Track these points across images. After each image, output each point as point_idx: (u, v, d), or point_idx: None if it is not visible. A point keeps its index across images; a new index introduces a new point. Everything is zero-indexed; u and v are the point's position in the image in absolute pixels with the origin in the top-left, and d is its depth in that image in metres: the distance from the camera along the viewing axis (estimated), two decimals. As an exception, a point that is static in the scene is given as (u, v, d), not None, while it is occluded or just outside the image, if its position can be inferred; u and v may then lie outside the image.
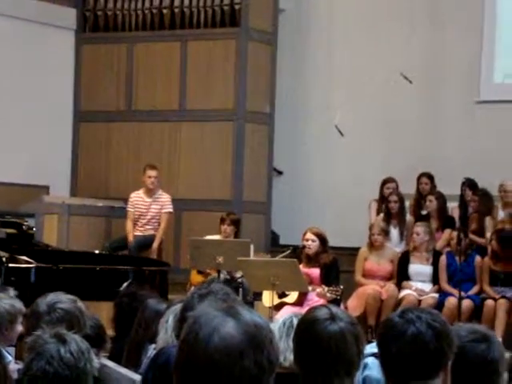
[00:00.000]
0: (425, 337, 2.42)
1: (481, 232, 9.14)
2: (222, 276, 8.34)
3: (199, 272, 9.07)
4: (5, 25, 10.89)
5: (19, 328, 4.33)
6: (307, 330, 2.69)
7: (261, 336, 1.81)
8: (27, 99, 11.11)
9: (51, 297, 3.58)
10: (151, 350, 4.34)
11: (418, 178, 9.88)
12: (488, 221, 9.13)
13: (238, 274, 8.45)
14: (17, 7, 10.93)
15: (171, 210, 10.12)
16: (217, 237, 9.15)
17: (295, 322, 3.46)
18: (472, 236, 8.87)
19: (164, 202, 10.09)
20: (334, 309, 2.74)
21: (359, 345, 2.68)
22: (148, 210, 10.08)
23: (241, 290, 8.22)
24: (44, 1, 11.26)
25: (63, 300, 3.56)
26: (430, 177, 9.86)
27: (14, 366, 3.79)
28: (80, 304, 3.59)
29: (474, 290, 8.73)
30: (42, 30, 11.23)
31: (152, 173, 10.03)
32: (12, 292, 4.74)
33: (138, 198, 10.13)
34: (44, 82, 11.27)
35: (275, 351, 1.83)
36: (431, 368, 2.43)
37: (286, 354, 3.36)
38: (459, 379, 2.56)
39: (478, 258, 8.82)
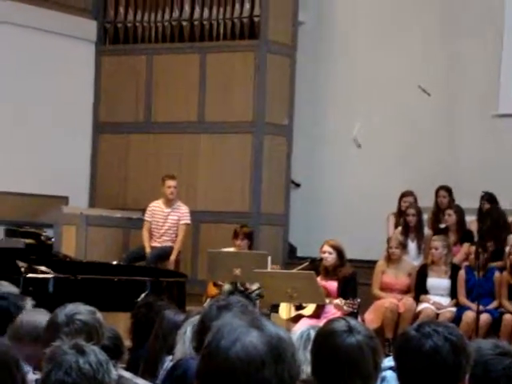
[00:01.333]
0: (442, 351, 2.41)
1: (500, 249, 9.08)
2: (229, 287, 8.36)
3: (215, 285, 9.08)
4: (26, 36, 10.97)
5: (41, 353, 4.32)
6: (324, 341, 2.69)
7: (283, 349, 1.81)
8: (47, 110, 11.18)
9: (70, 308, 3.58)
10: (168, 362, 4.35)
11: (437, 192, 9.85)
12: (510, 239, 9.07)
13: (254, 286, 8.45)
14: (38, 19, 11.01)
15: (189, 222, 10.15)
16: (231, 250, 9.16)
17: (312, 334, 3.45)
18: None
19: (182, 213, 10.11)
20: (352, 321, 2.74)
21: (376, 358, 2.68)
22: (166, 220, 10.10)
23: (258, 302, 8.21)
24: (65, 13, 11.34)
25: (82, 311, 3.57)
26: (449, 190, 9.83)
27: (31, 377, 3.81)
28: (99, 315, 3.60)
29: (493, 304, 8.68)
30: (62, 42, 11.31)
31: (171, 183, 10.06)
32: (30, 302, 4.75)
33: (156, 207, 10.17)
34: (64, 94, 11.34)
35: (296, 365, 1.83)
36: (449, 382, 2.42)
37: (303, 366, 3.36)
38: None
39: (496, 273, 8.77)
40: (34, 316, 4.18)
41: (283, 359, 1.79)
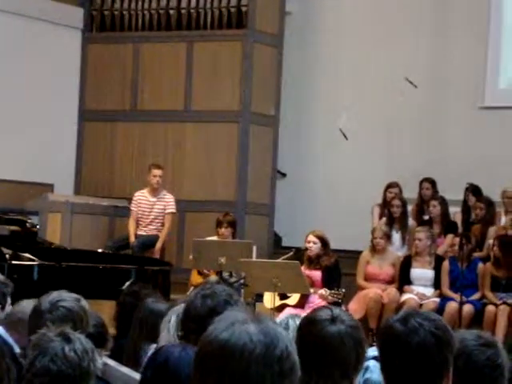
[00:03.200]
0: (429, 347, 2.43)
1: (482, 242, 9.14)
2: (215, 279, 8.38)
3: (199, 273, 9.10)
4: (11, 22, 10.92)
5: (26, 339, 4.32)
6: (307, 329, 2.71)
7: (277, 340, 1.81)
8: (33, 97, 11.14)
9: (54, 295, 3.59)
10: (153, 350, 4.36)
11: (420, 184, 9.90)
12: (491, 231, 9.13)
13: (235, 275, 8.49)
14: (24, 5, 10.96)
15: (174, 211, 10.15)
16: (214, 238, 9.18)
17: (291, 323, 3.49)
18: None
19: (168, 202, 10.12)
20: (337, 311, 2.75)
21: (359, 348, 2.69)
22: (151, 209, 10.10)
23: (242, 291, 8.23)
24: (52, 0, 11.29)
25: (66, 298, 3.57)
26: (432, 182, 9.88)
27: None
28: (84, 303, 3.60)
29: (476, 295, 8.74)
30: (48, 29, 11.26)
31: (157, 172, 10.06)
32: (10, 287, 4.74)
33: (142, 197, 10.17)
34: (50, 81, 11.30)
35: (291, 360, 1.82)
36: (435, 376, 2.44)
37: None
38: None
39: (480, 264, 8.83)
40: (27, 305, 4.19)
41: (275, 347, 1.80)
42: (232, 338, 1.79)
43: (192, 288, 8.61)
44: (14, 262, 7.43)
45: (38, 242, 8.81)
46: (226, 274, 8.64)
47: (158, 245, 9.97)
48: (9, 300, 4.73)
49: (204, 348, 1.82)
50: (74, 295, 3.62)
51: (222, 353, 1.79)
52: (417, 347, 2.42)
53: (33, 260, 7.55)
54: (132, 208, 10.19)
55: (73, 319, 3.48)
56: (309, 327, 2.70)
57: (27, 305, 4.17)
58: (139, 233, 10.11)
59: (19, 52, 11.03)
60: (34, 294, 3.84)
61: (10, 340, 4.28)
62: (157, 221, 10.11)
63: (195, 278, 9.11)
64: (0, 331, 4.38)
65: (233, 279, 8.57)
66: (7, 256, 7.46)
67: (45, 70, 11.24)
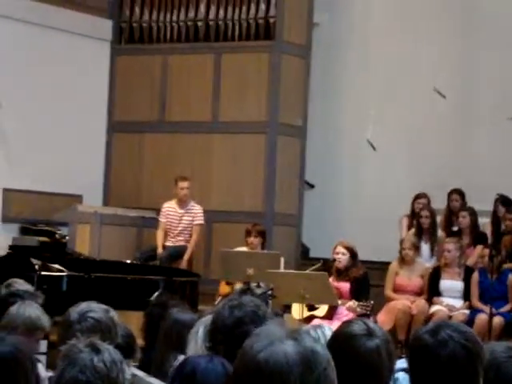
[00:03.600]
0: (459, 359, 2.40)
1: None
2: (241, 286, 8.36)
3: (228, 283, 9.10)
4: (40, 34, 11.01)
5: (35, 345, 4.33)
6: (343, 343, 2.68)
7: (315, 361, 1.79)
8: (62, 109, 11.22)
9: (83, 306, 3.60)
10: (180, 361, 4.36)
11: (449, 195, 9.84)
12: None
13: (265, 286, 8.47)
14: (54, 18, 11.05)
15: (202, 222, 10.17)
16: (243, 249, 9.17)
17: (312, 333, 3.47)
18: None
19: (196, 213, 10.14)
20: (371, 324, 2.73)
21: (391, 362, 2.68)
22: (180, 221, 10.13)
23: (270, 302, 8.22)
24: (81, 12, 11.38)
25: (95, 309, 3.58)
26: (461, 193, 9.82)
27: (45, 374, 3.83)
28: (112, 314, 3.61)
29: (506, 307, 8.66)
30: (78, 41, 11.34)
31: (184, 184, 10.09)
32: (40, 298, 4.77)
33: (170, 208, 10.19)
34: (79, 93, 11.38)
35: (329, 381, 1.80)
36: None
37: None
38: None
39: (510, 276, 8.75)
40: (25, 308, 4.21)
41: (313, 371, 1.77)
42: (270, 360, 1.77)
43: (220, 298, 8.61)
44: (43, 273, 7.47)
45: (67, 252, 8.86)
46: (253, 285, 8.63)
47: (186, 256, 9.99)
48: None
49: (241, 367, 1.81)
50: (103, 306, 3.63)
51: (259, 374, 1.77)
52: (447, 359, 2.40)
53: (62, 271, 7.59)
54: (160, 219, 10.22)
55: (101, 330, 3.49)
56: (345, 343, 2.67)
57: (24, 308, 4.21)
58: (167, 244, 10.14)
59: (48, 64, 11.12)
60: (63, 305, 3.86)
61: None
62: (185, 232, 10.14)
63: (223, 289, 9.11)
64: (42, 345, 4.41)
65: (260, 290, 8.55)
66: (37, 267, 7.50)
67: (74, 81, 11.32)
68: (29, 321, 4.14)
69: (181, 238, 10.15)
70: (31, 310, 4.23)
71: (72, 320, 3.52)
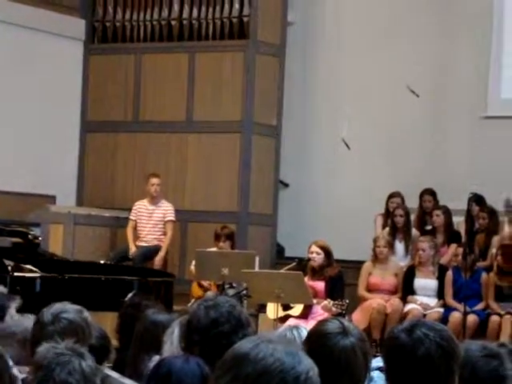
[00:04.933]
0: (434, 358, 2.41)
1: (486, 252, 9.12)
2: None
3: (200, 285, 9.09)
4: (13, 34, 10.93)
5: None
6: (318, 342, 2.68)
7: (300, 363, 1.76)
8: (35, 109, 11.14)
9: (56, 307, 3.58)
10: (155, 362, 4.34)
11: (421, 195, 9.88)
12: (495, 240, 9.11)
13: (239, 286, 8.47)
14: (26, 17, 10.97)
15: (173, 219, 10.16)
16: (213, 250, 9.17)
17: (288, 334, 3.47)
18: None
19: (166, 209, 10.13)
20: (346, 323, 2.73)
21: (367, 361, 2.68)
22: (150, 217, 10.11)
23: (245, 301, 8.21)
24: (53, 11, 11.30)
25: (68, 310, 3.56)
26: (433, 193, 9.86)
27: (19, 375, 3.79)
28: (86, 314, 3.58)
29: (480, 305, 8.71)
30: (51, 41, 11.27)
31: (155, 180, 10.11)
32: (17, 302, 4.74)
33: (141, 205, 10.22)
34: (52, 92, 11.31)
35: None
36: None
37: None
38: None
39: (484, 274, 8.80)
40: (21, 320, 4.17)
41: (293, 370, 1.74)
42: (252, 351, 1.76)
43: (193, 300, 8.59)
44: (16, 274, 7.41)
45: (40, 253, 8.80)
46: (226, 286, 8.61)
47: (161, 254, 9.97)
48: (12, 312, 4.71)
49: (224, 358, 1.79)
50: (77, 307, 3.61)
51: (239, 360, 1.76)
52: (422, 358, 2.41)
53: (35, 272, 7.54)
54: (130, 217, 10.21)
55: (75, 331, 3.47)
56: (320, 341, 2.67)
57: (21, 319, 4.16)
58: (139, 244, 10.10)
59: (21, 63, 11.04)
60: (36, 306, 3.83)
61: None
62: (156, 229, 10.11)
63: (196, 291, 9.10)
64: None
65: (232, 291, 8.53)
66: (9, 268, 7.44)
67: (47, 81, 11.25)
68: (26, 332, 4.09)
69: (152, 237, 10.12)
70: (27, 321, 4.17)
71: (45, 321, 3.50)
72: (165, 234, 10.11)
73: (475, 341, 2.85)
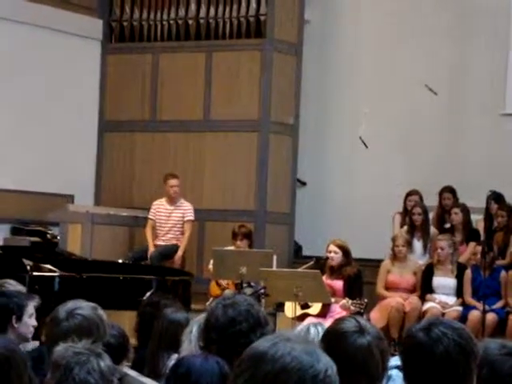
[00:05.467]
0: (453, 356, 2.39)
1: (505, 250, 9.07)
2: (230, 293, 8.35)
3: (218, 284, 9.10)
4: (31, 34, 10.98)
5: (31, 322, 4.35)
6: (335, 340, 2.68)
7: (318, 362, 1.75)
8: (53, 109, 11.18)
9: (71, 304, 3.62)
10: (174, 360, 4.35)
11: (440, 194, 9.83)
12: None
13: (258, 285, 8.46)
14: (44, 17, 11.01)
15: (192, 218, 10.16)
16: (231, 248, 9.17)
17: (312, 329, 3.47)
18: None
19: (186, 210, 10.13)
20: (362, 321, 2.72)
21: (384, 359, 2.67)
22: (169, 217, 10.12)
23: (263, 300, 8.20)
24: (71, 11, 11.35)
25: (83, 307, 3.59)
26: (452, 191, 9.81)
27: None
28: (100, 312, 3.60)
29: (499, 304, 8.67)
30: (68, 41, 11.31)
31: (174, 182, 10.09)
32: (36, 301, 4.76)
33: (160, 205, 10.20)
34: (70, 92, 11.35)
35: None
36: None
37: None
38: None
39: (503, 272, 8.76)
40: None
41: (311, 369, 1.73)
42: (270, 350, 1.75)
43: (211, 299, 8.60)
44: (35, 274, 7.44)
45: (59, 253, 8.83)
46: (244, 285, 8.61)
47: (179, 253, 9.98)
48: (30, 311, 4.72)
49: (242, 357, 1.79)
50: (91, 304, 3.63)
51: (257, 358, 1.75)
52: (441, 356, 2.39)
53: (54, 271, 7.56)
54: (149, 216, 10.21)
55: (89, 327, 3.49)
56: (337, 340, 2.67)
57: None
58: (158, 243, 10.12)
59: (38, 63, 11.08)
60: (55, 305, 3.84)
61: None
62: (175, 229, 10.12)
63: (214, 290, 9.11)
64: (31, 345, 4.40)
65: (250, 290, 8.53)
66: (28, 267, 7.47)
67: (64, 81, 11.29)
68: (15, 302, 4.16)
69: (171, 236, 10.13)
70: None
71: (60, 318, 3.53)
72: (183, 233, 10.12)
73: (494, 339, 2.83)
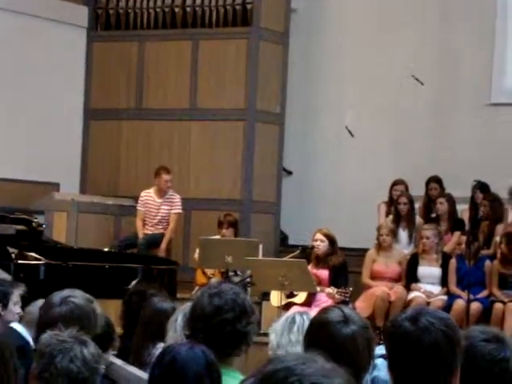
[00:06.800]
0: (440, 346, 2.40)
1: (490, 240, 9.10)
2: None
3: (204, 273, 9.11)
4: (16, 21, 10.91)
5: (16, 310, 4.35)
6: (320, 330, 2.68)
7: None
8: (38, 97, 11.13)
9: (67, 291, 3.64)
10: (160, 349, 4.35)
11: (427, 183, 9.85)
12: (499, 228, 9.09)
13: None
14: (29, 4, 10.94)
15: (180, 211, 10.15)
16: (217, 237, 9.17)
17: (297, 318, 3.49)
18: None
19: (174, 202, 10.11)
20: (347, 311, 2.73)
21: (370, 348, 2.68)
22: (158, 210, 10.10)
23: (249, 289, 8.22)
24: (56, -2, 11.28)
25: (77, 296, 3.60)
26: (439, 181, 9.83)
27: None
28: (96, 305, 3.61)
29: (484, 293, 8.71)
30: (53, 28, 11.25)
31: (167, 177, 10.05)
32: (22, 289, 4.75)
33: (148, 197, 10.15)
34: (55, 80, 11.29)
35: None
36: (445, 374, 2.42)
37: (287, 348, 3.39)
38: (470, 379, 2.56)
39: (487, 262, 8.80)
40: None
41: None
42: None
43: (197, 288, 8.60)
44: (20, 262, 7.42)
45: (44, 241, 8.81)
46: (231, 273, 8.62)
47: (163, 244, 9.96)
48: (15, 299, 4.72)
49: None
50: (87, 296, 3.63)
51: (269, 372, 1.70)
52: (428, 346, 2.40)
53: (39, 259, 7.55)
54: (139, 208, 10.18)
55: (80, 316, 3.49)
56: (322, 328, 2.67)
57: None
58: (146, 231, 10.10)
59: (24, 51, 11.02)
60: (40, 294, 3.84)
61: (29, 337, 4.30)
62: (163, 221, 10.11)
63: (200, 278, 9.12)
64: (19, 329, 4.39)
65: (237, 278, 8.55)
66: (13, 255, 7.45)
67: (49, 68, 11.23)
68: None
69: (159, 227, 10.12)
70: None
71: (53, 302, 3.54)
72: (170, 224, 10.11)
73: (475, 326, 2.84)
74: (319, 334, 2.67)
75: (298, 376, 1.69)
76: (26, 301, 4.68)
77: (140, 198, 10.20)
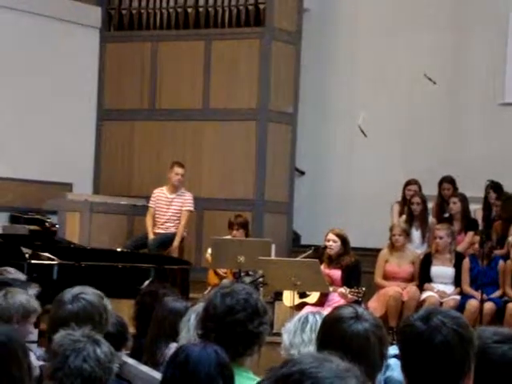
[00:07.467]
0: (452, 345, 2.40)
1: (503, 239, 9.07)
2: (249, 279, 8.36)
3: (216, 273, 9.11)
4: (30, 22, 10.95)
5: (30, 328, 4.35)
6: (331, 327, 2.69)
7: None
8: (51, 97, 11.17)
9: (78, 288, 3.65)
10: (173, 349, 4.36)
11: (440, 183, 9.83)
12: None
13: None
14: (42, 5, 10.99)
15: (192, 209, 10.16)
16: (228, 238, 9.18)
17: (311, 318, 3.49)
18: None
19: (186, 199, 10.13)
20: (360, 309, 2.74)
21: (382, 347, 2.68)
22: (169, 206, 10.11)
23: (261, 289, 8.22)
24: (69, -1, 11.32)
25: (89, 293, 3.62)
26: (452, 181, 9.81)
27: (37, 363, 3.82)
28: (106, 301, 3.62)
29: (497, 293, 8.68)
30: (66, 28, 11.29)
31: (179, 170, 10.08)
32: (36, 289, 4.77)
33: (160, 193, 10.19)
34: (68, 80, 11.33)
35: None
36: (457, 374, 2.42)
37: (299, 347, 3.39)
38: (482, 380, 2.55)
39: (501, 262, 8.77)
40: (14, 296, 4.22)
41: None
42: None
43: (210, 288, 8.61)
44: (33, 262, 7.45)
45: (57, 241, 8.84)
46: (242, 274, 8.63)
47: (176, 242, 9.98)
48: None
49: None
50: (98, 292, 3.65)
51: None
52: (440, 345, 2.40)
53: (52, 259, 7.57)
54: (150, 204, 10.21)
55: (92, 313, 3.51)
56: (333, 325, 2.68)
57: (16, 298, 4.20)
58: (157, 231, 10.11)
59: (37, 52, 11.06)
60: (53, 293, 3.85)
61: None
62: (174, 218, 10.11)
63: (212, 279, 9.12)
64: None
65: (249, 279, 8.55)
66: (27, 255, 7.48)
67: (63, 69, 11.26)
68: (21, 308, 4.15)
69: (170, 225, 10.12)
70: (21, 296, 4.23)
71: (65, 300, 3.55)
72: (181, 222, 10.12)
73: (488, 327, 2.83)
74: (332, 330, 2.67)
75: (313, 379, 1.69)
76: (39, 301, 4.69)
77: (152, 195, 10.24)
